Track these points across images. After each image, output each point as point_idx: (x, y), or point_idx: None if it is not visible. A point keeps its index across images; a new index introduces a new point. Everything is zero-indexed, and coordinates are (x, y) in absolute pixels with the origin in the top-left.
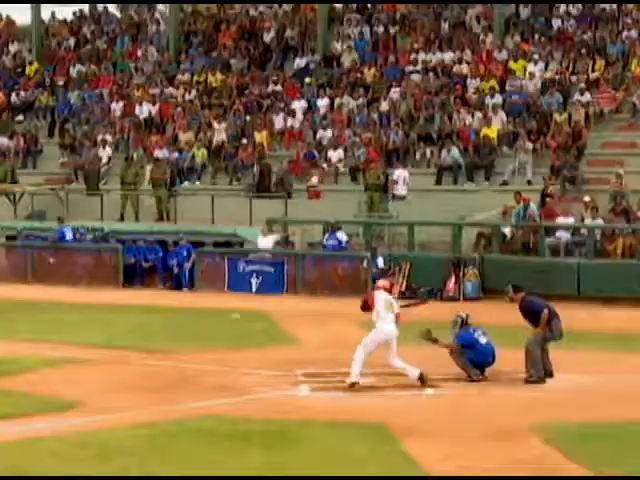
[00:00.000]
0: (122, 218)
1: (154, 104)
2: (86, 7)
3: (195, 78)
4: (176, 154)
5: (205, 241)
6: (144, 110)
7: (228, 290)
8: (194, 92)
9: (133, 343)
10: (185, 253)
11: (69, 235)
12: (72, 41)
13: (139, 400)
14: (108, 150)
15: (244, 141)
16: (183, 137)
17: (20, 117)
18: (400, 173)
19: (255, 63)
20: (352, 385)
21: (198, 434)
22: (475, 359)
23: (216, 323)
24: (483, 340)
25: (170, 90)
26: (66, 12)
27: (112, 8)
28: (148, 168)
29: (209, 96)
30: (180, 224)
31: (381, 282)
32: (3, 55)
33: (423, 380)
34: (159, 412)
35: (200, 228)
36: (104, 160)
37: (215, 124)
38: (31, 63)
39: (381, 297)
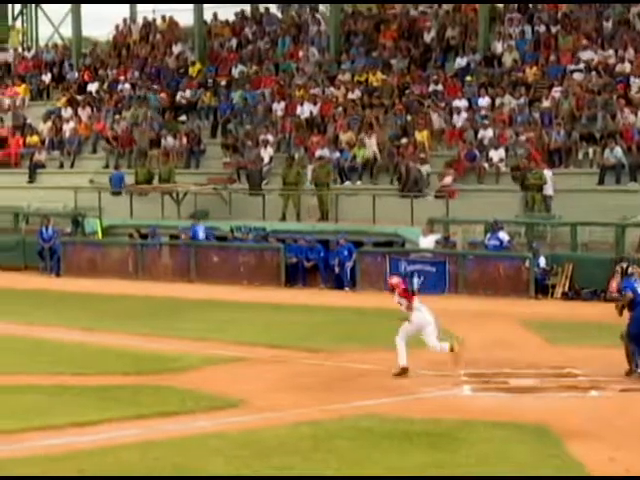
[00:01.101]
0: (284, 218)
1: (315, 104)
2: (248, 8)
3: (356, 78)
4: (337, 154)
5: (364, 241)
6: (305, 110)
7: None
8: (355, 92)
9: (295, 342)
10: (346, 253)
11: (201, 234)
12: (234, 42)
13: (301, 399)
14: (270, 150)
15: (404, 141)
16: (344, 137)
17: (183, 117)
18: (544, 173)
19: (416, 63)
20: (404, 370)
21: (359, 433)
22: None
23: (377, 323)
24: None
25: (331, 90)
26: (228, 13)
27: (273, 9)
28: (310, 168)
29: (370, 96)
30: (341, 224)
31: (395, 280)
32: (166, 56)
33: (452, 350)
34: (321, 411)
35: (361, 228)
36: (266, 160)
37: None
38: (194, 64)
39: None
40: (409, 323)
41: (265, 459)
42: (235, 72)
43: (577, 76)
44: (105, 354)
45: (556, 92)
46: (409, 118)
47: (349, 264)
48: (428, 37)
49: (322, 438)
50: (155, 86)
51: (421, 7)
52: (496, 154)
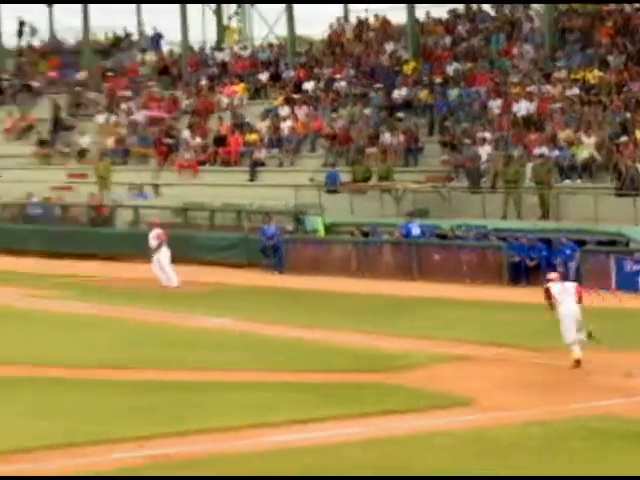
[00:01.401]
0: (505, 216)
1: (531, 101)
2: (461, 6)
3: (572, 75)
4: (556, 152)
5: (587, 240)
6: (522, 108)
7: (616, 289)
8: (572, 89)
9: (521, 341)
10: (569, 252)
11: (415, 231)
12: (448, 39)
13: (529, 398)
14: (487, 148)
15: (624, 139)
16: (562, 135)
17: (400, 114)
18: None
19: (632, 59)
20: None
21: (590, 434)
22: None
23: (603, 323)
24: None
25: (547, 87)
26: (440, 11)
27: (486, 6)
28: (529, 166)
29: (587, 93)
30: (562, 222)
31: (552, 275)
32: (380, 54)
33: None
34: (550, 411)
35: (583, 227)
36: (484, 158)
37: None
38: (407, 61)
39: (555, 288)
40: (562, 319)
41: (493, 457)
42: (450, 70)
43: None
44: (327, 351)
45: None
46: (628, 116)
47: (572, 263)
48: None
49: (552, 438)
50: (376, 85)
51: (636, 4)
52: None
